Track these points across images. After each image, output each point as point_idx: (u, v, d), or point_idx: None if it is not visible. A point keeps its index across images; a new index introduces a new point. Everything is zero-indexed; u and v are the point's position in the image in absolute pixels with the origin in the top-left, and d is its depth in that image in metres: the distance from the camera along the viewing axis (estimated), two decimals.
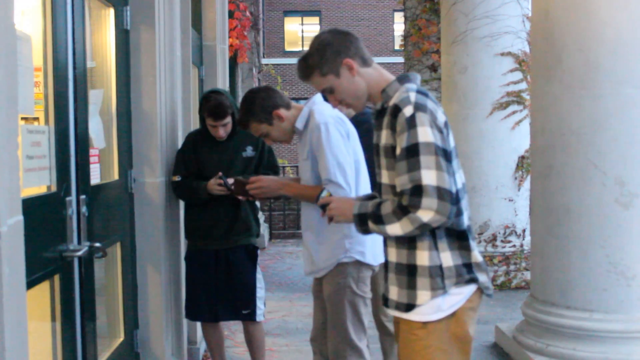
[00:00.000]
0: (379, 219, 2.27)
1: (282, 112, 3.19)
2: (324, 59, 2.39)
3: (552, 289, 4.33)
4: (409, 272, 2.31)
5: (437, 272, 2.27)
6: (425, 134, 2.19)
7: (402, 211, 2.21)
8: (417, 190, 2.17)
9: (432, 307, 2.28)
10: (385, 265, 2.46)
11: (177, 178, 3.92)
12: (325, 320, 3.21)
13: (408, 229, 2.21)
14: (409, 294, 2.31)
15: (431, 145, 2.18)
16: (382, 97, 2.38)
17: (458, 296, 2.29)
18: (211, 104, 3.82)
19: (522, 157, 7.28)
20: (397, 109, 2.24)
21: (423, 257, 2.28)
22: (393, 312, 2.40)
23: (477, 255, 2.33)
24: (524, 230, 7.36)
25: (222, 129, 3.86)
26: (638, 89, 4.06)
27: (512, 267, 7.21)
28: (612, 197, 4.08)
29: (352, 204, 2.40)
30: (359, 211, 2.35)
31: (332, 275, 3.11)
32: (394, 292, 2.37)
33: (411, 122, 2.20)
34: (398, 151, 2.23)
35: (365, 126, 3.52)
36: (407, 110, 2.21)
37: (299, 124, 3.19)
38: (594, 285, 4.14)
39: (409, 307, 2.31)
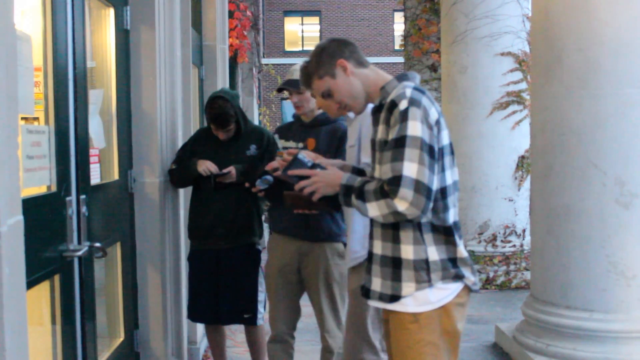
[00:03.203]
0: (362, 195, 2.32)
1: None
2: (319, 62, 2.50)
3: (552, 289, 4.33)
4: (394, 264, 2.36)
5: (422, 266, 2.33)
6: (414, 128, 2.25)
7: (382, 193, 2.27)
8: (396, 180, 2.23)
9: (418, 299, 2.34)
10: (369, 257, 2.49)
11: (173, 166, 3.92)
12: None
13: (384, 212, 2.27)
14: (394, 285, 2.36)
15: (418, 139, 2.25)
16: (380, 93, 2.45)
17: (446, 291, 2.35)
18: (214, 113, 3.81)
19: (522, 157, 7.28)
20: (393, 104, 2.32)
21: (408, 251, 2.34)
22: (375, 303, 2.46)
23: (462, 250, 2.39)
24: (524, 230, 7.36)
25: (224, 133, 3.90)
26: (638, 89, 4.06)
27: (512, 267, 7.20)
28: (612, 197, 4.08)
29: (339, 175, 2.44)
30: (347, 182, 2.40)
31: (359, 271, 3.11)
32: (377, 284, 2.42)
33: (404, 116, 2.27)
34: (388, 142, 2.29)
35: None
36: (402, 105, 2.28)
37: (351, 113, 3.16)
38: (594, 285, 4.14)
39: (394, 298, 2.37)
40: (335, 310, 3.62)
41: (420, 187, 2.22)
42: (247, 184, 3.51)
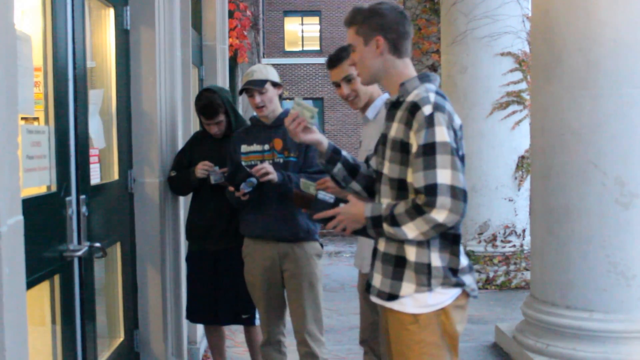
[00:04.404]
0: (394, 220, 2.28)
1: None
2: (366, 23, 2.42)
3: (552, 289, 4.33)
4: (397, 263, 2.35)
5: (423, 270, 2.31)
6: (442, 134, 2.24)
7: (417, 211, 2.23)
8: (432, 189, 2.21)
9: (417, 301, 2.33)
10: (373, 253, 2.49)
11: (172, 173, 3.92)
12: (375, 320, 3.15)
13: (424, 229, 2.23)
14: (393, 284, 2.36)
15: (447, 145, 2.23)
16: (400, 90, 2.41)
17: (444, 295, 2.33)
18: (201, 103, 3.85)
19: (522, 157, 7.28)
20: (415, 107, 2.28)
21: (410, 252, 2.32)
22: (374, 299, 2.46)
23: (463, 261, 2.37)
24: (524, 230, 7.36)
25: (215, 127, 3.88)
26: (638, 89, 4.06)
27: (512, 267, 7.21)
28: (612, 197, 4.08)
29: (361, 208, 2.40)
30: (372, 214, 2.35)
31: None
32: (377, 280, 2.42)
33: (430, 121, 2.24)
34: (414, 149, 2.27)
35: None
36: (426, 109, 2.25)
37: (370, 114, 3.10)
38: (594, 285, 4.14)
39: (391, 297, 2.36)
40: (318, 312, 3.60)
41: (457, 192, 2.21)
42: (231, 188, 3.48)
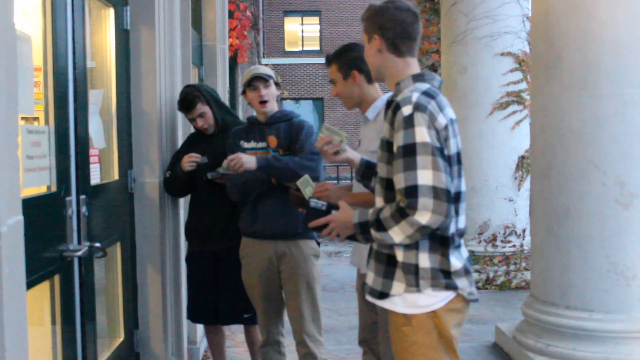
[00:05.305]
0: (380, 225, 2.26)
1: (361, 78, 3.06)
2: (369, 21, 2.46)
3: (552, 289, 4.33)
4: (388, 262, 2.34)
5: (410, 270, 2.29)
6: (421, 134, 2.20)
7: (400, 214, 2.21)
8: (413, 191, 2.18)
9: (407, 301, 2.31)
10: (369, 251, 2.50)
11: (167, 174, 3.91)
12: (374, 320, 3.15)
13: (408, 232, 2.21)
14: (384, 282, 2.35)
15: (428, 145, 2.20)
16: (395, 89, 2.43)
17: (435, 298, 2.30)
18: (180, 98, 3.88)
19: (522, 157, 7.28)
20: (397, 107, 2.27)
21: (399, 252, 2.31)
22: (368, 298, 2.46)
23: (456, 264, 2.31)
24: (524, 230, 7.36)
25: (200, 120, 3.86)
26: (638, 89, 4.06)
27: (512, 267, 7.21)
28: (612, 197, 4.08)
29: (350, 215, 2.40)
30: (359, 220, 2.35)
31: None
32: (370, 278, 2.43)
33: (408, 122, 2.22)
34: (395, 149, 2.25)
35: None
36: (406, 110, 2.23)
37: (370, 114, 3.09)
38: (594, 285, 4.14)
39: (382, 295, 2.36)
40: (316, 312, 3.59)
41: (439, 193, 2.17)
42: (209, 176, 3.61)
